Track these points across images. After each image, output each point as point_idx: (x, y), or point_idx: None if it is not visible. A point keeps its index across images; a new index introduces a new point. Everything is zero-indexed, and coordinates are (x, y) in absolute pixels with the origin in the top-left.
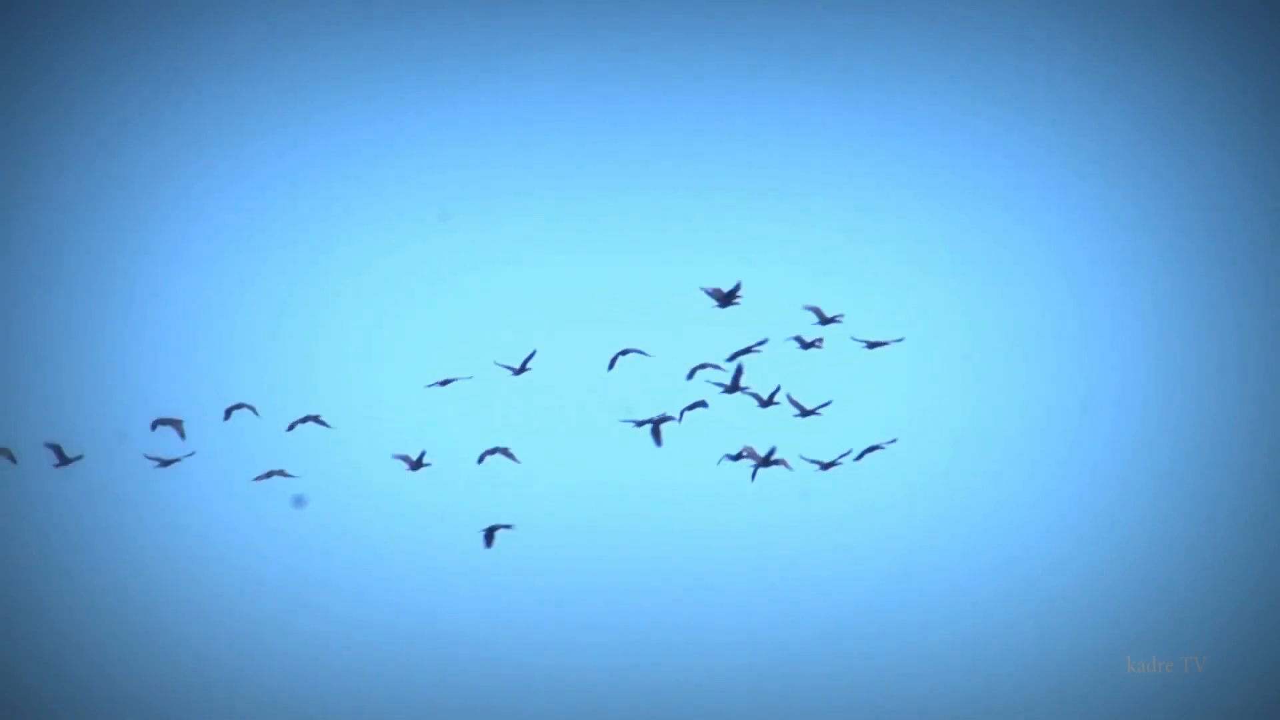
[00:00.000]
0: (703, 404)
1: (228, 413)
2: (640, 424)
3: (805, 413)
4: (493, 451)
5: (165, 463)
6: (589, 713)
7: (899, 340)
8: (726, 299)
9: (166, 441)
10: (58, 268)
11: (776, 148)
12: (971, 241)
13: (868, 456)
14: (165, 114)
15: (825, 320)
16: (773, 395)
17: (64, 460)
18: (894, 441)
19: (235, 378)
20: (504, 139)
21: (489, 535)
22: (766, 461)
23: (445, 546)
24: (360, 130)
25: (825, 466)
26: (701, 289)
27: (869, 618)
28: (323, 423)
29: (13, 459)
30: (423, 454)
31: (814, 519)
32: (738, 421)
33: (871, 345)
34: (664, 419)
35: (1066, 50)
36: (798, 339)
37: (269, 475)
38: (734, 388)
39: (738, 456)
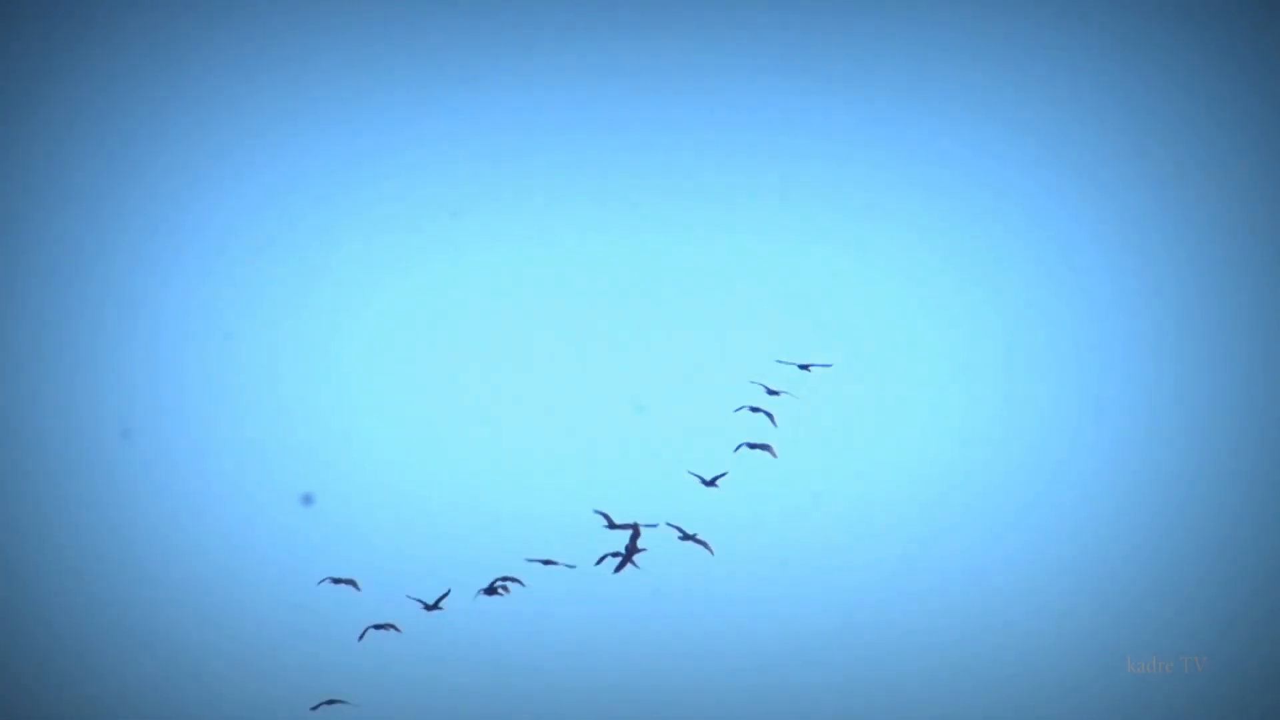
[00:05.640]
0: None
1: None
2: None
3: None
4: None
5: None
6: (590, 713)
7: (827, 365)
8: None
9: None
10: (82, 264)
11: (781, 146)
12: (978, 241)
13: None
14: (174, 115)
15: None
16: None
17: None
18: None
19: (244, 373)
20: (515, 137)
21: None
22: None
23: (450, 548)
24: (371, 129)
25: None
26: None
27: (869, 617)
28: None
29: None
30: (443, 595)
31: (817, 519)
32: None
33: (803, 367)
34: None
35: (1075, 54)
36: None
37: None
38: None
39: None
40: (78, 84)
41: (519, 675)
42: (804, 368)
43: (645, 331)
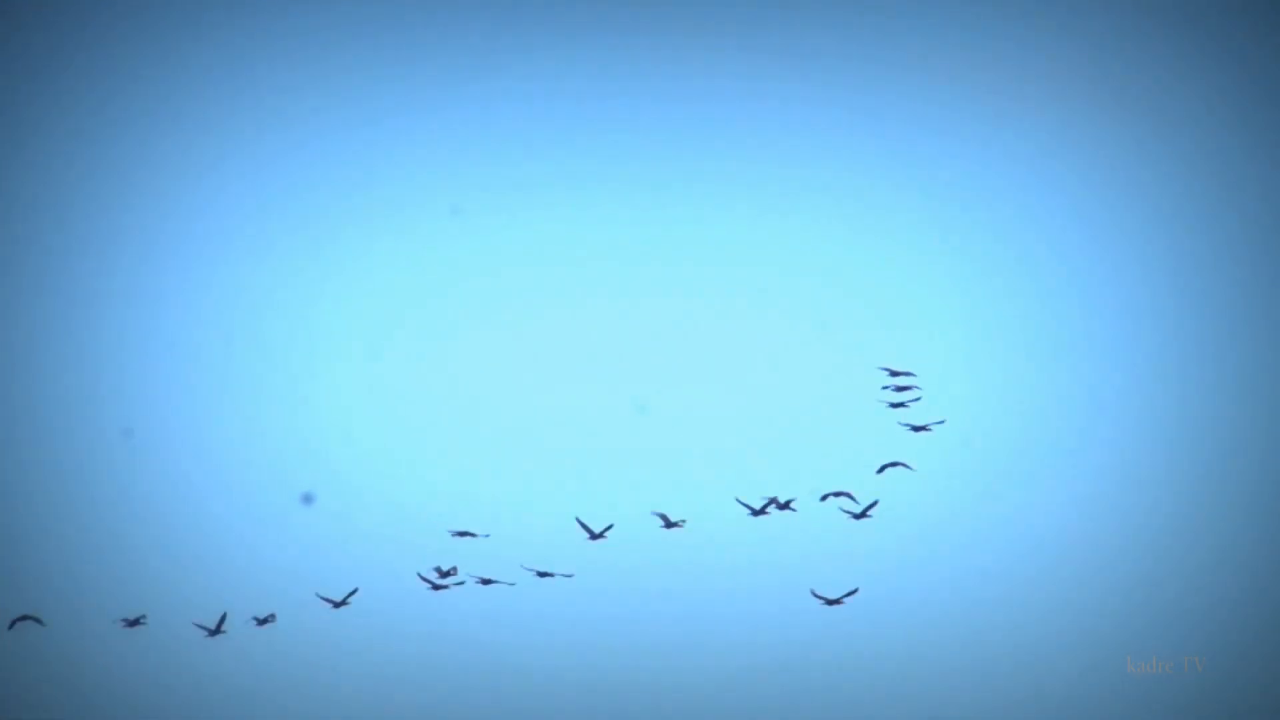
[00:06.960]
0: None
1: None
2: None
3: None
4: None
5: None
6: (590, 712)
7: (940, 422)
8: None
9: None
10: (82, 263)
11: (782, 148)
12: (982, 245)
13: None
14: (174, 114)
15: (897, 374)
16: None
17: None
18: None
19: (245, 372)
20: (515, 135)
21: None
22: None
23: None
24: (370, 129)
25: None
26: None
27: (870, 617)
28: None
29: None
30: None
31: (817, 519)
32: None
33: (916, 429)
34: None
35: (1078, 57)
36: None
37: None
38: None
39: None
40: (78, 83)
41: (519, 675)
42: (903, 388)
43: (647, 331)
